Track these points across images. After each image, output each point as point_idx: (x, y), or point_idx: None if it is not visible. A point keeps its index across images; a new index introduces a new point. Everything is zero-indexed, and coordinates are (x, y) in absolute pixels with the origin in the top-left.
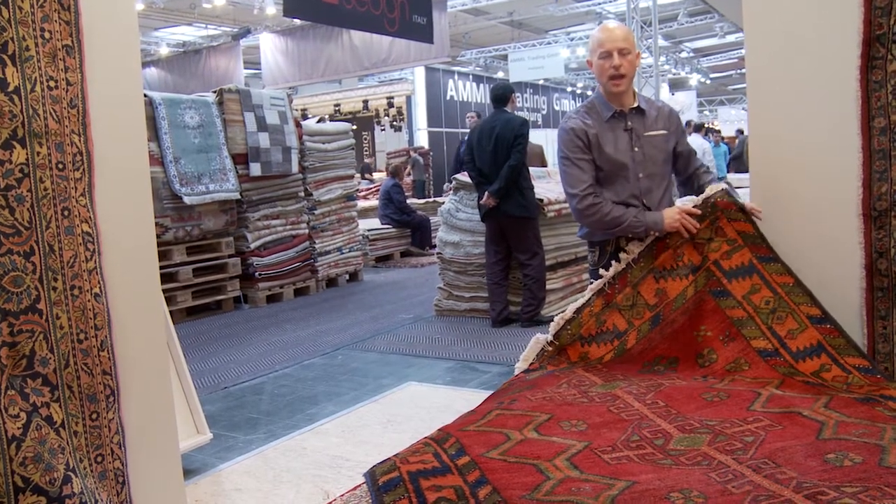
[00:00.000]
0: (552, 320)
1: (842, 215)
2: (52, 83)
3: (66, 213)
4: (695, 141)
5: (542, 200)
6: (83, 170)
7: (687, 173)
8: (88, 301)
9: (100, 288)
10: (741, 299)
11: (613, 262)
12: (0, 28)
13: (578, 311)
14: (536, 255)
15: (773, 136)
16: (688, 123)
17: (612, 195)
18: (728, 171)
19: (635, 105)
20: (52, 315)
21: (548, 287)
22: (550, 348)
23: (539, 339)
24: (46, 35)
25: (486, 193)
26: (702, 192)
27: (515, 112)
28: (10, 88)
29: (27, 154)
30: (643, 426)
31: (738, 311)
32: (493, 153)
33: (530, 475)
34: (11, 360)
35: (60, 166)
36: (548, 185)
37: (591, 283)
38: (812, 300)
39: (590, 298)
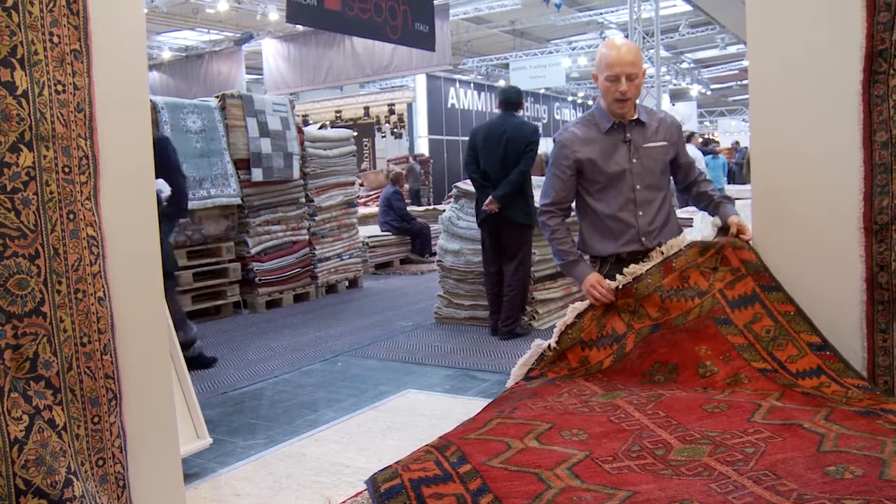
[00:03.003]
0: (528, 332)
1: (843, 228)
2: (59, 87)
3: (71, 216)
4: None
5: None
6: (89, 174)
7: (686, 182)
8: (92, 305)
9: (103, 292)
10: (742, 328)
11: (618, 276)
12: (10, 32)
13: (580, 315)
14: (523, 265)
15: (775, 150)
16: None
17: (606, 206)
18: (728, 183)
19: (635, 117)
20: (55, 318)
21: (548, 296)
22: (550, 353)
23: (539, 344)
24: (55, 39)
25: (490, 198)
26: (706, 203)
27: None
28: (19, 92)
29: (34, 157)
30: (644, 436)
31: (740, 339)
32: (502, 157)
33: (532, 484)
34: (15, 362)
35: (67, 170)
36: None
37: None
38: (812, 329)
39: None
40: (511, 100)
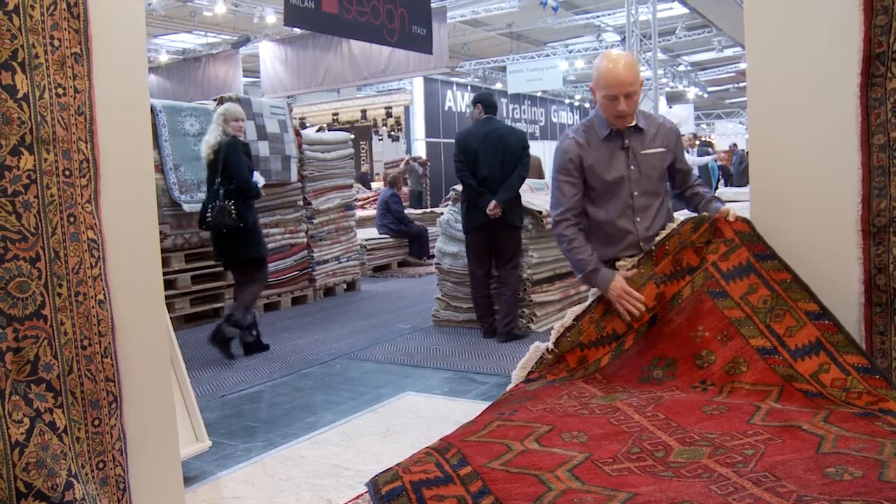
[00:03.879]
0: (527, 335)
1: (841, 231)
2: (60, 90)
3: (71, 219)
4: None
5: (540, 212)
6: (89, 177)
7: (683, 188)
8: (93, 307)
9: (104, 294)
10: (739, 300)
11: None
12: (11, 36)
13: (578, 318)
14: (518, 265)
15: (774, 152)
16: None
17: (604, 212)
18: (724, 185)
19: (633, 123)
20: (56, 321)
21: (545, 299)
22: (550, 356)
23: (538, 346)
24: (56, 43)
25: (494, 202)
26: (697, 202)
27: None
28: (20, 95)
29: (34, 160)
30: (644, 438)
31: (737, 312)
32: (502, 162)
33: (532, 486)
34: (16, 365)
35: (67, 173)
36: (546, 197)
37: (591, 292)
38: (810, 296)
39: (590, 305)
40: (494, 104)
